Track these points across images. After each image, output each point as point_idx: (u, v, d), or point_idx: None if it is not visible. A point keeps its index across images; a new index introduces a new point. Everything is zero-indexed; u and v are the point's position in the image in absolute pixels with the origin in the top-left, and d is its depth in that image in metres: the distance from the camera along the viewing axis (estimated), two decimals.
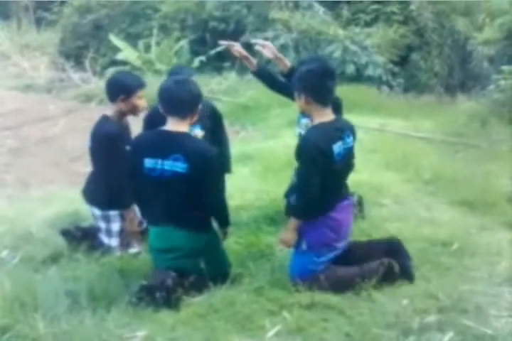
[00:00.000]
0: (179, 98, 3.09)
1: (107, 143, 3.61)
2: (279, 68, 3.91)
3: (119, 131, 3.65)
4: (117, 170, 3.54)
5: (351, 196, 3.49)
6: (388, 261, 3.24)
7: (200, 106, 3.23)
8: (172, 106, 3.12)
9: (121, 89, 3.63)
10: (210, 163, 3.10)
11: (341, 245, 3.32)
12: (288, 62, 3.90)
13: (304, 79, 3.11)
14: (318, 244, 3.23)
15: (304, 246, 3.26)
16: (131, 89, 3.63)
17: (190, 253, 3.20)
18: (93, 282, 3.30)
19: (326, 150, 3.04)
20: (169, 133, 3.11)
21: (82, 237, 3.89)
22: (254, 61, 3.88)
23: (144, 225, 3.70)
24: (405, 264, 3.31)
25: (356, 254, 3.37)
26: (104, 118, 3.70)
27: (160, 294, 3.03)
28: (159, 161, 3.08)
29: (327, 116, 3.15)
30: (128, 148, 3.49)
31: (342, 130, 3.17)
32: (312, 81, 3.08)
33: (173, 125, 3.13)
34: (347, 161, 3.25)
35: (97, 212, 3.80)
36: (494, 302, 3.09)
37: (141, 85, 3.68)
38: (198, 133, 3.83)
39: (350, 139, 3.21)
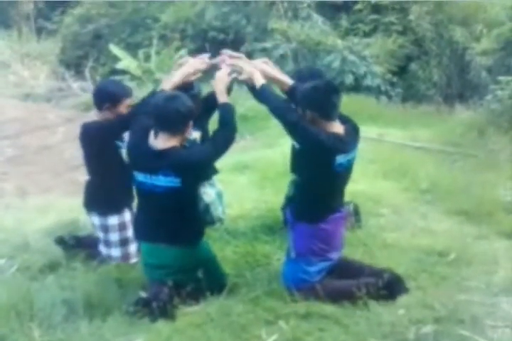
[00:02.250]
0: (167, 115, 3.04)
1: (92, 134, 3.60)
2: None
3: (101, 125, 3.61)
4: (110, 169, 3.62)
5: (345, 208, 3.49)
6: (388, 275, 3.22)
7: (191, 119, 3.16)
8: (161, 123, 3.08)
9: (106, 97, 3.59)
10: (199, 170, 3.15)
11: (334, 256, 3.33)
12: (286, 80, 3.48)
13: (308, 96, 3.12)
14: (305, 253, 3.24)
15: (292, 254, 3.29)
16: (117, 99, 3.58)
17: (181, 269, 3.21)
18: (90, 291, 3.30)
19: (330, 150, 3.05)
20: (157, 150, 3.06)
21: (75, 245, 3.91)
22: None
23: None
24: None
25: (347, 273, 3.37)
26: (89, 122, 3.70)
27: (156, 305, 3.03)
28: (148, 176, 3.08)
29: (336, 129, 3.15)
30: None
31: (348, 144, 3.16)
32: (317, 98, 3.09)
33: (163, 141, 3.08)
34: (346, 175, 3.27)
35: (96, 221, 3.78)
36: (491, 313, 3.09)
37: (127, 95, 3.62)
38: (196, 135, 3.84)
39: (353, 154, 3.22)
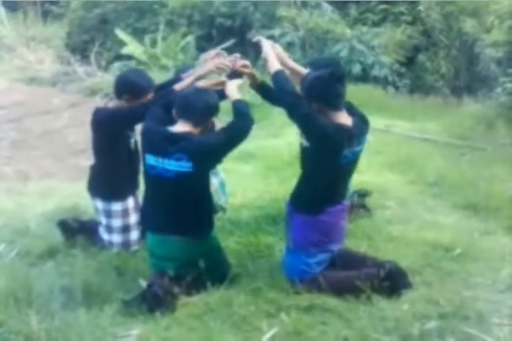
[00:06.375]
0: (193, 106, 3.08)
1: (103, 121, 3.57)
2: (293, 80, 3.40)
3: (112, 112, 3.58)
4: (117, 156, 3.61)
5: (350, 198, 3.44)
6: (389, 266, 3.17)
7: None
8: (185, 112, 3.11)
9: (128, 89, 3.52)
10: (212, 154, 3.11)
11: (334, 247, 3.28)
12: (300, 68, 3.51)
13: (312, 87, 3.09)
14: (304, 244, 3.20)
15: (290, 245, 3.26)
16: (138, 92, 3.51)
17: (189, 261, 3.14)
18: (89, 278, 3.26)
19: (337, 144, 3.00)
20: (173, 134, 3.06)
21: (78, 229, 3.87)
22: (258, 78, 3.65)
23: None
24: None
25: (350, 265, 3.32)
26: (103, 107, 3.67)
27: (156, 295, 2.97)
28: (160, 159, 3.04)
29: (343, 119, 3.09)
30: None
31: (355, 137, 3.09)
32: (321, 88, 3.04)
33: (181, 127, 3.09)
34: (351, 167, 3.22)
35: (100, 206, 3.75)
36: (497, 310, 3.02)
37: (149, 89, 3.55)
38: None
39: (360, 147, 3.16)
